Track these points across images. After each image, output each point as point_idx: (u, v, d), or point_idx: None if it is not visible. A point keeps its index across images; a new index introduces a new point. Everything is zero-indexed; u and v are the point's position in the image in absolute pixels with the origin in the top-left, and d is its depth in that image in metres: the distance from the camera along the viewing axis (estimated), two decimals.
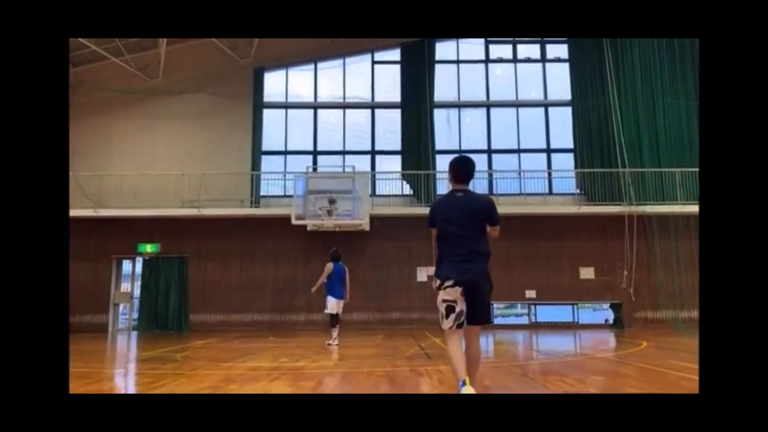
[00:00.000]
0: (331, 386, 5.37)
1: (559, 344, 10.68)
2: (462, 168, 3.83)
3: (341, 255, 10.08)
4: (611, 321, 15.26)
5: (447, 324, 3.69)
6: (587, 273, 15.44)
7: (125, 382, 6.22)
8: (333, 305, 9.62)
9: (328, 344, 9.64)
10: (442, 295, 3.69)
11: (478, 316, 3.70)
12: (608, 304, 15.37)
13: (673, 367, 6.29)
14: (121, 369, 7.40)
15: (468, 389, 3.48)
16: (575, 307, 15.44)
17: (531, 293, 15.33)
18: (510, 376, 5.92)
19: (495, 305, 15.13)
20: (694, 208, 14.74)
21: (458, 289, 3.63)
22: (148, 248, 15.63)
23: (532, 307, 15.48)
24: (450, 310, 3.66)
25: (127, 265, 16.49)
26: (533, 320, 15.42)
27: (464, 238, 3.70)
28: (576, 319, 15.40)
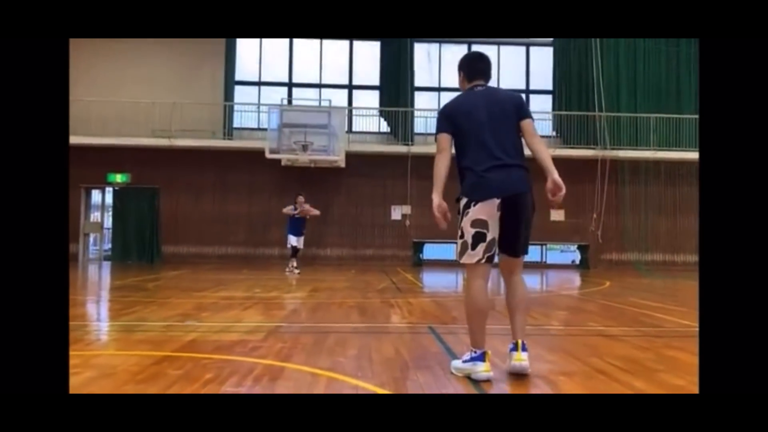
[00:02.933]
0: (303, 315, 5.47)
1: (526, 282, 11.01)
2: (478, 62, 3.07)
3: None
4: (578, 262, 15.74)
5: (474, 256, 2.80)
6: (557, 215, 15.73)
7: (97, 308, 6.22)
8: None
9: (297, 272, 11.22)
10: (471, 214, 2.78)
11: (519, 243, 2.87)
12: (576, 246, 15.80)
13: (633, 304, 6.57)
14: (92, 296, 7.39)
15: (485, 370, 2.71)
16: (544, 247, 15.83)
17: None
18: None
19: None
20: (666, 155, 15.00)
21: (495, 204, 2.75)
22: (118, 178, 15.29)
23: None
24: (479, 237, 2.77)
25: (96, 195, 16.16)
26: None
27: (498, 141, 2.84)
28: (544, 260, 15.83)
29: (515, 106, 2.95)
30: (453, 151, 2.93)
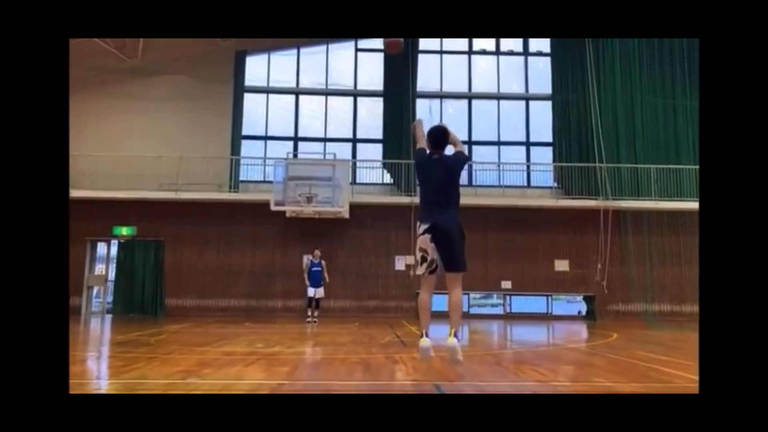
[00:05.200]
0: (305, 372, 5.40)
1: (532, 334, 10.86)
2: (436, 137, 4.41)
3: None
4: (584, 313, 15.56)
5: (420, 270, 4.19)
6: (562, 265, 15.68)
7: (98, 365, 6.16)
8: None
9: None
10: (417, 243, 4.16)
11: (450, 262, 4.11)
12: (581, 297, 15.65)
13: (642, 358, 6.46)
14: (93, 352, 7.32)
15: (424, 342, 4.11)
16: (549, 298, 15.69)
17: (507, 284, 15.54)
18: (483, 365, 6.02)
19: (471, 295, 15.35)
20: (668, 204, 15.06)
21: (427, 237, 4.09)
22: (124, 231, 15.41)
23: (508, 297, 15.69)
24: (422, 258, 4.13)
25: (101, 248, 16.24)
26: (508, 311, 15.63)
27: (440, 192, 4.22)
28: (550, 311, 15.66)
29: (456, 162, 4.34)
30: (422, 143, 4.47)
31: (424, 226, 4.12)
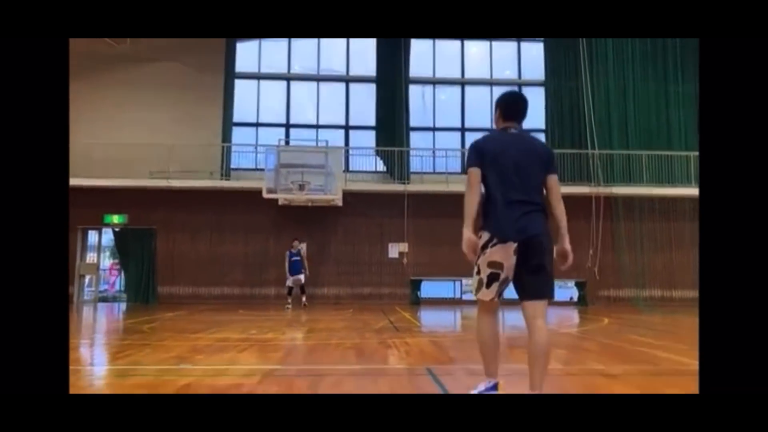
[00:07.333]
0: (299, 357, 5.42)
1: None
2: (516, 104, 3.07)
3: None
4: (576, 299, 15.67)
5: (488, 294, 2.85)
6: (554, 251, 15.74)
7: (90, 352, 6.15)
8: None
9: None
10: (489, 254, 2.79)
11: (539, 286, 2.81)
12: (573, 283, 15.75)
13: (632, 342, 6.53)
14: (86, 339, 7.31)
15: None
16: None
17: None
18: (476, 350, 6.06)
19: (463, 282, 15.29)
20: (659, 191, 15.14)
21: (512, 247, 2.75)
22: (115, 219, 15.31)
23: None
24: (494, 277, 2.81)
25: (93, 236, 16.14)
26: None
27: (522, 183, 2.82)
28: None
29: (547, 156, 2.96)
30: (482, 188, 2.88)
31: (502, 237, 2.77)
